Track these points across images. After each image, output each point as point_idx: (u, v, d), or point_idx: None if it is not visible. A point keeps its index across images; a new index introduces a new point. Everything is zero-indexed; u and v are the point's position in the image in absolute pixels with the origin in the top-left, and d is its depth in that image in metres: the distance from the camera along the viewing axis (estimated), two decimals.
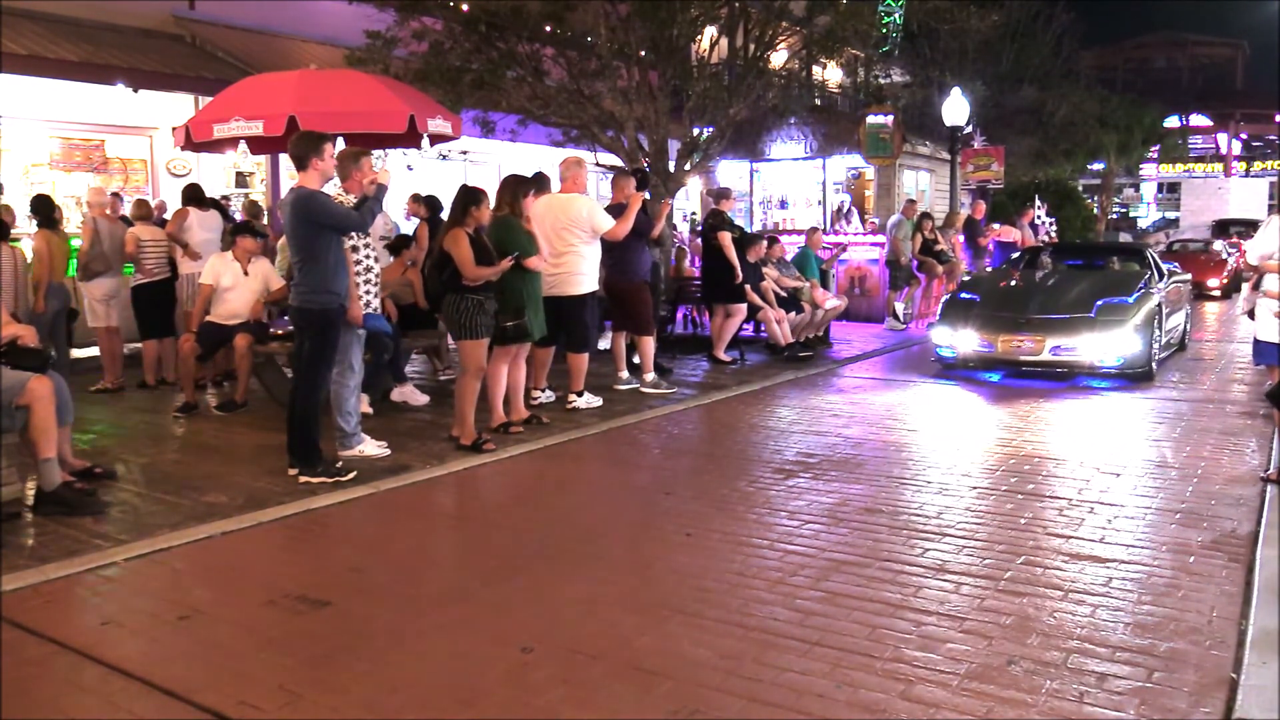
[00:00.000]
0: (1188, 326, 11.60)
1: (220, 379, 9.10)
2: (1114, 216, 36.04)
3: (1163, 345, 9.75)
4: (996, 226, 15.15)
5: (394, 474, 5.90)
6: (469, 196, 6.56)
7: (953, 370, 9.58)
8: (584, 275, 7.65)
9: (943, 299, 10.78)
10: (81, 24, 13.77)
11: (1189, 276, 11.94)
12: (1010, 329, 9.06)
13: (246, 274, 7.90)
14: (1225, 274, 20.28)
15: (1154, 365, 9.13)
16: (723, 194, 11.07)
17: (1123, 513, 5.04)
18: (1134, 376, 8.93)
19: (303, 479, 5.66)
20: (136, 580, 4.25)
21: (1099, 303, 9.07)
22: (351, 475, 5.73)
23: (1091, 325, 8.83)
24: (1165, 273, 10.61)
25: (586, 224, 7.56)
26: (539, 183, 8.60)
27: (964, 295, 10.01)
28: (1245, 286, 17.27)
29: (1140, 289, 9.44)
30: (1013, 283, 10.37)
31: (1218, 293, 19.84)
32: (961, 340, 9.33)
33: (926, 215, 14.57)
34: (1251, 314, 6.56)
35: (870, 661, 3.35)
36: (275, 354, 7.90)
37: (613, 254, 8.23)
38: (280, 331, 7.73)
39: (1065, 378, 9.04)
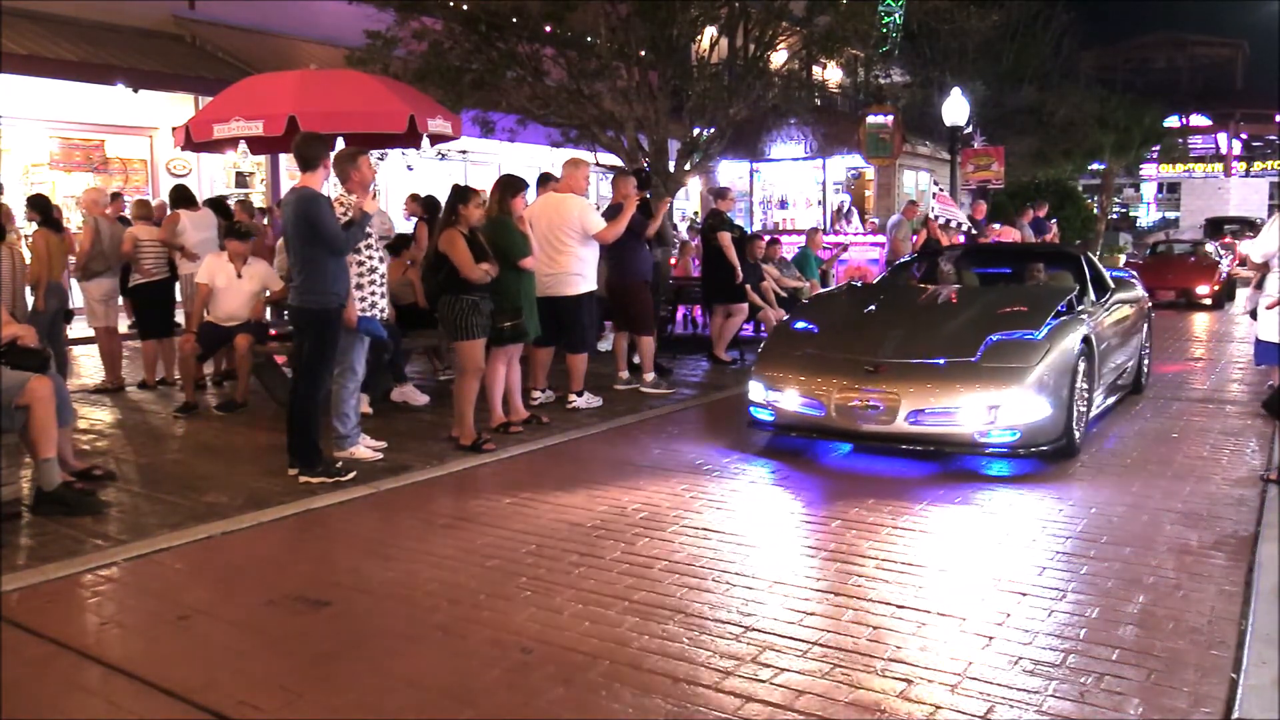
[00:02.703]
0: (1145, 360, 8.53)
1: (220, 379, 9.11)
2: (1114, 216, 36.03)
3: (1097, 398, 6.78)
4: (997, 226, 15.14)
5: (394, 474, 5.90)
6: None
7: (784, 438, 6.54)
8: (578, 276, 7.62)
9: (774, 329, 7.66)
10: (81, 24, 13.78)
11: (1141, 294, 8.64)
12: (851, 380, 5.95)
13: (240, 276, 7.90)
14: (1216, 279, 17.40)
15: (1078, 433, 6.13)
16: (721, 194, 11.07)
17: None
18: (1046, 454, 5.88)
19: (303, 479, 5.66)
20: (136, 580, 4.25)
21: (989, 340, 6.04)
22: (351, 475, 5.73)
23: (973, 375, 5.81)
24: (1109, 286, 7.86)
25: (577, 225, 7.55)
26: (544, 183, 8.62)
27: (799, 324, 6.92)
28: (1240, 292, 17.23)
29: (1057, 316, 6.39)
30: (871, 305, 7.22)
31: (1208, 301, 17.15)
32: (784, 396, 6.24)
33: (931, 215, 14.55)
34: (1253, 314, 6.56)
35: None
36: (275, 354, 7.91)
37: (613, 254, 8.22)
38: (276, 332, 7.74)
39: (938, 457, 6.06)
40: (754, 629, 3.63)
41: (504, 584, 4.12)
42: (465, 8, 12.33)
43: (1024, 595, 3.94)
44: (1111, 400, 7.43)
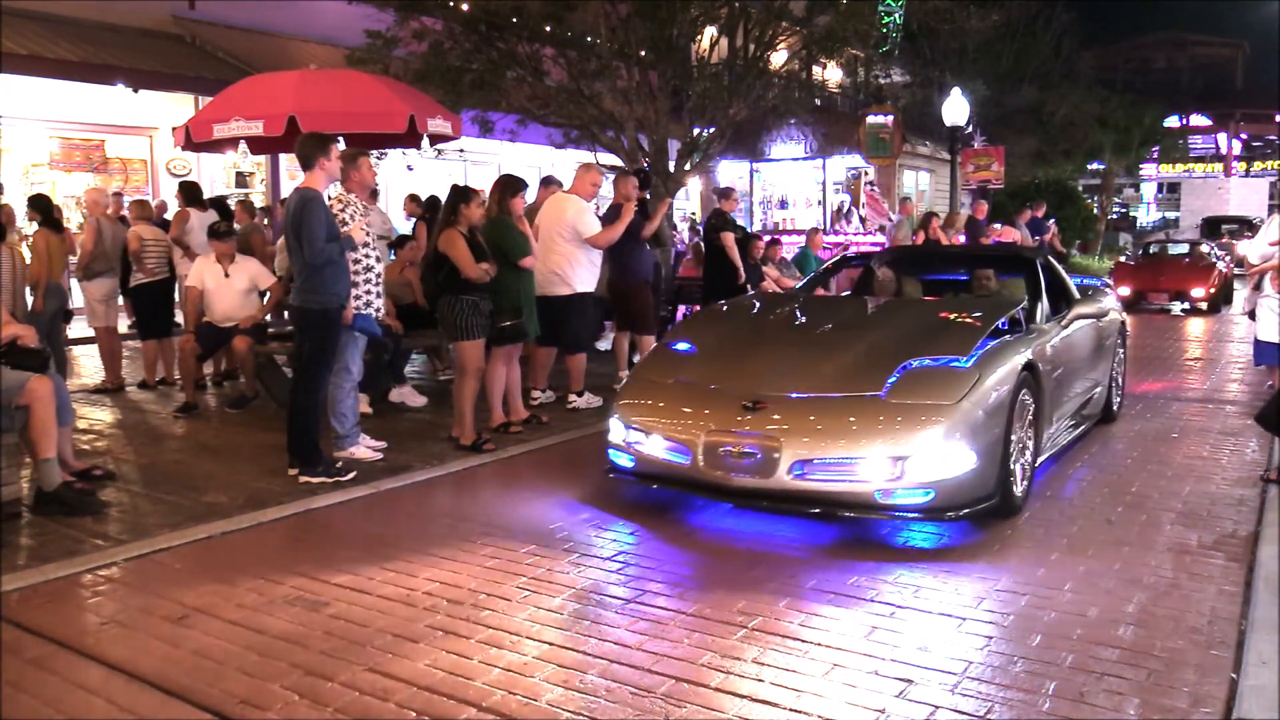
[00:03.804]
0: (1116, 383, 7.29)
1: (220, 379, 9.11)
2: (1114, 216, 36.05)
3: (1050, 437, 5.65)
4: (998, 227, 15.14)
5: (394, 474, 5.90)
6: (458, 195, 6.59)
7: (652, 488, 5.21)
8: (572, 276, 7.54)
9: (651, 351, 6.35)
10: (81, 24, 13.78)
11: (1111, 307, 7.35)
12: (725, 419, 4.74)
13: (227, 275, 7.90)
14: (1212, 282, 16.25)
15: (1019, 486, 4.92)
16: (725, 194, 11.06)
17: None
18: (978, 514, 4.63)
19: (303, 479, 5.66)
20: (136, 580, 4.25)
21: (903, 368, 4.84)
22: (352, 475, 5.73)
23: (877, 416, 4.58)
24: (1073, 298, 6.61)
25: (570, 226, 7.52)
26: (546, 184, 8.62)
27: (678, 345, 5.66)
28: (1237, 294, 17.12)
29: (995, 336, 5.19)
30: (769, 322, 6.01)
31: (1204, 305, 16.08)
32: (646, 437, 5.01)
33: (932, 214, 14.54)
34: (1252, 314, 6.56)
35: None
36: (275, 354, 7.91)
37: (614, 254, 8.22)
38: (274, 331, 7.74)
39: (837, 520, 4.77)
40: (755, 629, 3.63)
41: (504, 584, 4.12)
42: (465, 8, 12.34)
43: (1024, 595, 3.93)
44: (1074, 435, 6.24)
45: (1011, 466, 4.82)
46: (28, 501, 5.20)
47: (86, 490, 5.39)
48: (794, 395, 4.80)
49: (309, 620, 3.75)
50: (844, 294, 7.39)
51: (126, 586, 4.19)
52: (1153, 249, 19.74)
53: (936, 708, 3.03)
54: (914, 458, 4.41)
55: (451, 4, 12.38)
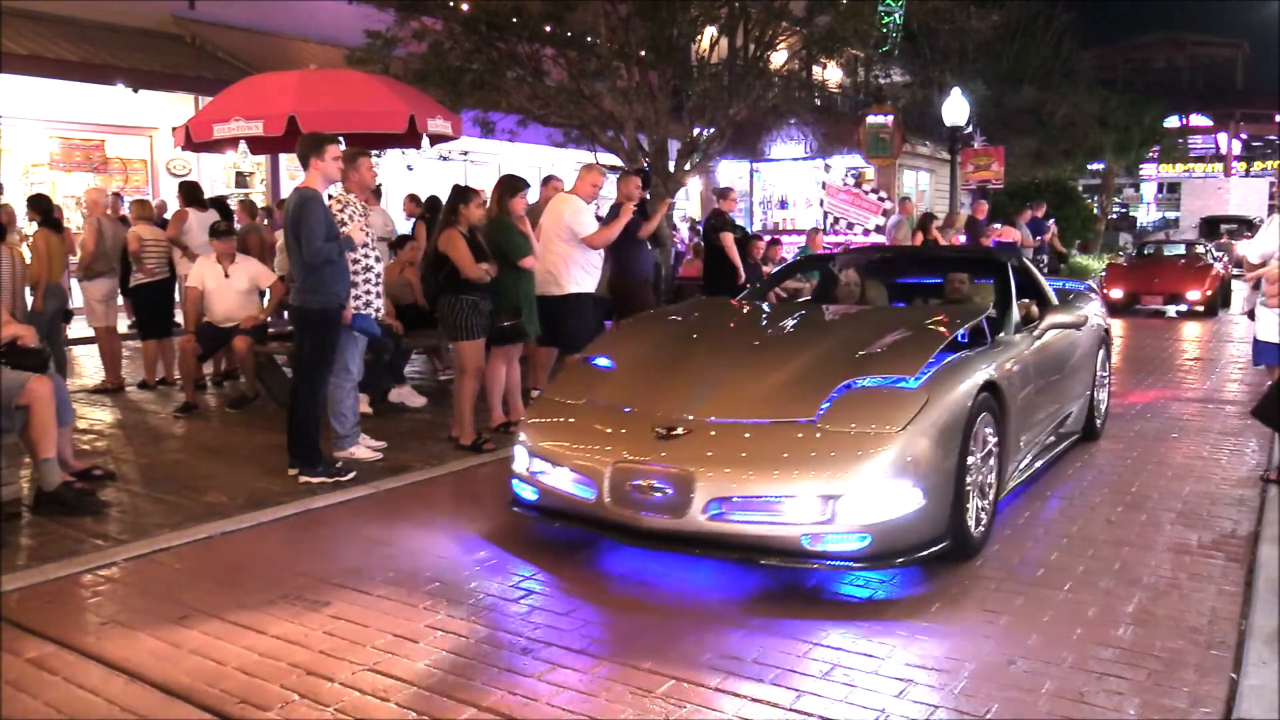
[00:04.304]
0: (1103, 397, 6.86)
1: (220, 379, 9.12)
2: (1114, 216, 36.06)
3: (1019, 461, 5.09)
4: (998, 227, 15.15)
5: (394, 474, 5.90)
6: (458, 196, 6.60)
7: (559, 525, 4.51)
8: (569, 276, 7.44)
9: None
10: (81, 24, 13.79)
11: (1094, 313, 6.71)
12: (636, 448, 4.14)
13: (228, 275, 7.90)
14: (1209, 284, 15.49)
15: (977, 525, 4.33)
16: (723, 194, 11.05)
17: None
18: (930, 558, 4.04)
19: (303, 479, 5.66)
20: (136, 580, 4.25)
21: (842, 389, 4.26)
22: (351, 475, 5.74)
23: (807, 446, 4.00)
24: (1050, 303, 6.02)
25: (565, 225, 7.48)
26: (545, 183, 8.61)
27: (598, 359, 5.00)
28: (1236, 291, 17.08)
29: (954, 350, 4.64)
30: (701, 332, 5.31)
31: (1200, 308, 15.25)
32: (551, 468, 4.41)
33: (931, 215, 14.55)
34: (1251, 314, 6.55)
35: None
36: (275, 354, 7.91)
37: (615, 254, 8.20)
38: (274, 331, 7.74)
39: (767, 565, 4.09)
40: (756, 628, 3.62)
41: (504, 583, 4.12)
42: (465, 8, 12.34)
43: (1022, 595, 3.93)
44: (1050, 457, 5.72)
45: (967, 503, 4.19)
46: (28, 501, 5.20)
47: (86, 490, 5.39)
48: (714, 420, 4.21)
49: (309, 620, 3.75)
50: (795, 300, 6.69)
51: (126, 586, 4.19)
52: (1148, 249, 19.07)
53: None
54: (847, 497, 3.79)
55: (451, 4, 12.38)
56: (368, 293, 6.26)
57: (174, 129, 10.23)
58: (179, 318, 9.49)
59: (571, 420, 4.54)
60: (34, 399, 5.00)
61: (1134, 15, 47.05)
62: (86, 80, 12.83)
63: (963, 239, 14.83)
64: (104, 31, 14.00)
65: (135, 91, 13.29)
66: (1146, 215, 43.61)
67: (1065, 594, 3.95)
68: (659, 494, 3.96)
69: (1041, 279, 6.39)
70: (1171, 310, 15.54)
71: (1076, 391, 6.16)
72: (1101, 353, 6.79)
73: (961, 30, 17.98)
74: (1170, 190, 43.35)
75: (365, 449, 6.27)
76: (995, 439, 4.58)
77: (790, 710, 3.03)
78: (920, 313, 5.49)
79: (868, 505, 3.82)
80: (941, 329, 4.71)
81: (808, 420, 4.09)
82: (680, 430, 4.15)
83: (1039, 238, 15.85)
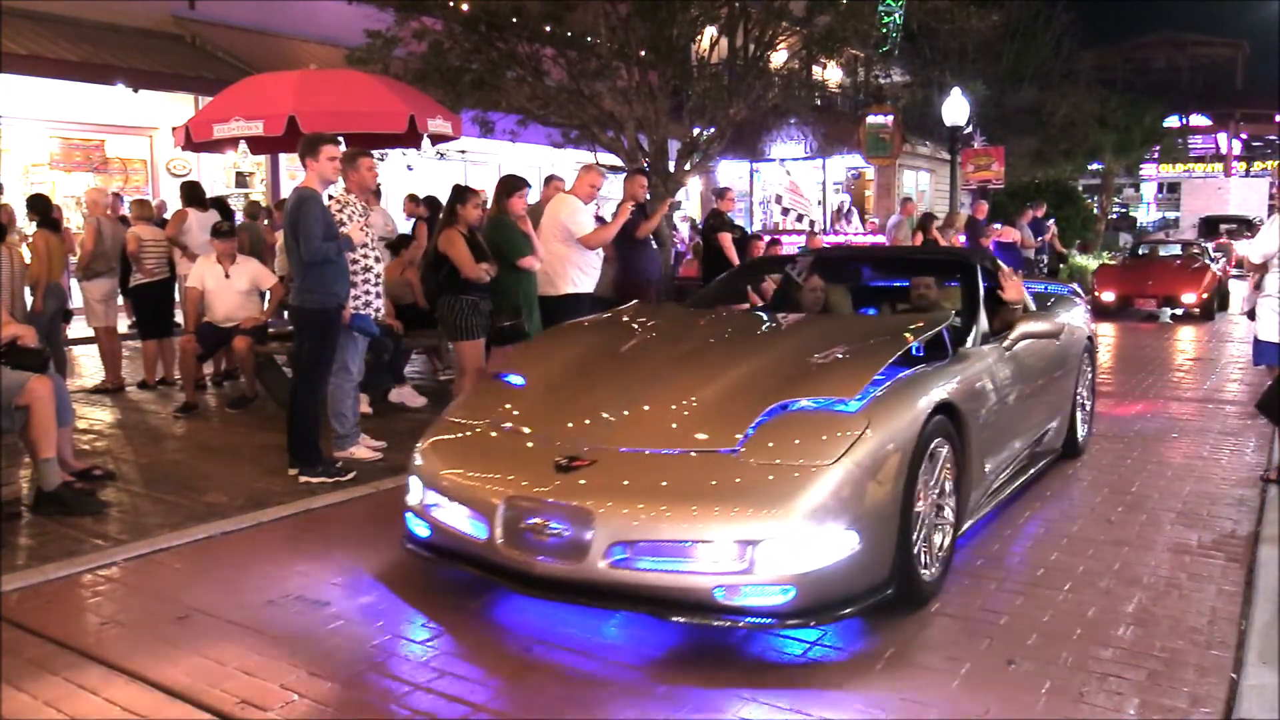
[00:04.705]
0: (1086, 409, 6.34)
1: (220, 379, 9.12)
2: (1114, 216, 36.07)
3: (984, 492, 4.53)
4: (998, 227, 15.15)
5: (394, 474, 5.88)
6: (456, 195, 6.61)
7: (450, 568, 3.97)
8: (568, 276, 7.40)
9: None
10: (81, 24, 13.79)
11: (1075, 318, 6.20)
12: (533, 481, 3.62)
13: (228, 276, 7.90)
14: (1206, 285, 14.59)
15: (928, 569, 3.81)
16: (721, 194, 11.05)
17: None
18: (870, 609, 3.51)
19: (303, 479, 5.66)
20: (136, 580, 4.25)
21: (770, 413, 3.73)
22: (351, 475, 5.73)
23: (726, 479, 3.49)
24: (1027, 306, 5.44)
25: (562, 225, 7.46)
26: (547, 183, 8.60)
27: (509, 376, 4.49)
28: (1234, 292, 16.99)
29: (908, 365, 4.16)
30: (630, 337, 4.74)
31: (1196, 311, 14.43)
32: (446, 502, 3.86)
33: (931, 215, 14.56)
34: (1252, 314, 6.55)
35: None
36: (275, 354, 7.91)
37: (620, 254, 8.19)
38: (274, 331, 7.74)
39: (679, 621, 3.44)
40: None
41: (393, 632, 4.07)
42: (465, 8, 12.35)
43: (1023, 595, 3.93)
44: (1022, 480, 5.14)
45: (915, 544, 3.66)
46: (28, 501, 5.20)
47: (86, 490, 5.39)
48: (623, 450, 3.66)
49: (309, 619, 3.75)
50: (741, 306, 5.96)
51: (126, 586, 4.19)
52: (1141, 249, 18.27)
53: None
54: (766, 544, 3.22)
55: (451, 4, 12.38)
56: (367, 293, 6.26)
57: (174, 129, 10.24)
58: (179, 317, 9.49)
59: (469, 446, 3.98)
60: (34, 399, 5.00)
61: (1134, 15, 47.07)
62: (86, 80, 12.83)
63: (963, 239, 14.84)
64: (104, 31, 14.00)
65: (135, 91, 13.29)
66: (1146, 215, 43.61)
67: (1065, 594, 3.95)
68: (555, 535, 3.38)
69: (1016, 283, 5.71)
70: (1166, 314, 14.80)
71: (1055, 406, 5.63)
72: (1085, 362, 6.27)
73: (961, 30, 18.02)
74: (1170, 190, 43.34)
75: (365, 449, 6.27)
76: (953, 467, 4.02)
77: None
78: (873, 323, 5.02)
79: (791, 552, 3.24)
80: (891, 342, 4.16)
81: (728, 451, 3.54)
82: (583, 460, 3.58)
83: (1039, 238, 15.85)
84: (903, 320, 4.80)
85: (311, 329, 5.74)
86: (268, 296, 8.05)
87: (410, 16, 12.39)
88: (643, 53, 12.59)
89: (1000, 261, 5.77)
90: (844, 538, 3.34)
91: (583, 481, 3.52)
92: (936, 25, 18.07)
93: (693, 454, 3.61)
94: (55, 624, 3.75)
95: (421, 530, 3.97)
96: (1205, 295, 14.46)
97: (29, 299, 8.04)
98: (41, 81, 12.47)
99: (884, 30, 21.11)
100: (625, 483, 3.51)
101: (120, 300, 9.27)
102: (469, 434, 4.08)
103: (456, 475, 3.84)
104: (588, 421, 3.90)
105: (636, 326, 4.95)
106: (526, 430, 3.97)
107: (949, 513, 4.02)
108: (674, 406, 3.89)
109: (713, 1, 13.34)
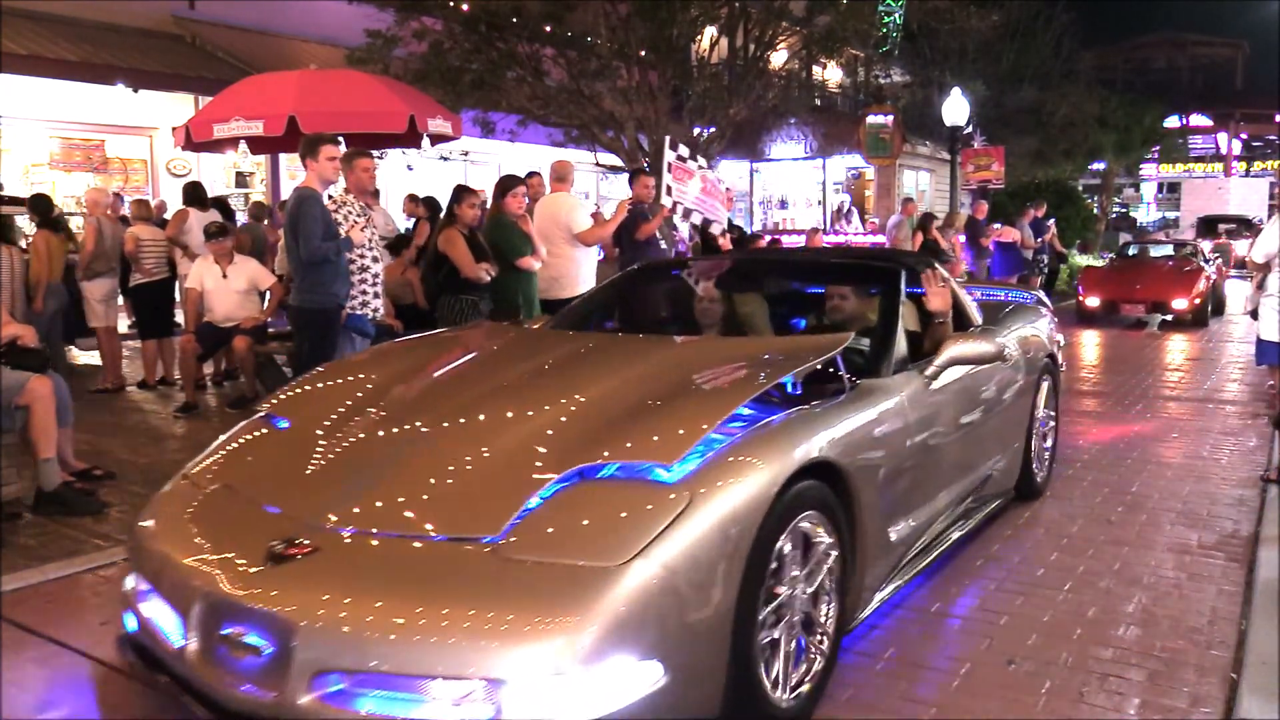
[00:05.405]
0: (1046, 444, 5.43)
1: (220, 379, 9.12)
2: (1114, 216, 36.08)
3: (870, 585, 3.36)
4: (998, 226, 15.15)
5: None
6: (455, 195, 6.62)
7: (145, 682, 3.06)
8: (571, 278, 7.41)
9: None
10: (81, 24, 13.78)
11: (1032, 336, 5.25)
12: (241, 567, 2.63)
13: (225, 276, 7.90)
14: (1198, 290, 13.46)
15: (782, 694, 2.82)
16: None
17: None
18: None
19: None
20: None
21: (565, 480, 2.73)
22: None
23: (478, 583, 2.46)
24: (970, 324, 4.74)
25: (565, 224, 7.44)
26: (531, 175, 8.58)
27: (278, 419, 3.54)
28: (1234, 293, 16.95)
29: (765, 410, 3.09)
30: (432, 377, 3.73)
31: (1188, 317, 13.31)
32: (152, 594, 2.86)
33: (930, 215, 14.57)
34: (1254, 314, 6.56)
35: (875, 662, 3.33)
36: (275, 354, 7.91)
37: (624, 256, 8.17)
38: (274, 330, 7.74)
39: None
40: None
41: None
42: (465, 8, 12.36)
43: (1023, 595, 3.93)
44: (961, 534, 4.25)
45: (760, 663, 2.72)
46: (28, 501, 5.20)
47: (86, 490, 5.39)
48: (358, 532, 2.70)
49: None
50: (601, 325, 4.73)
51: None
52: (1131, 250, 17.12)
53: None
54: (515, 683, 2.28)
55: (451, 4, 12.40)
56: (364, 293, 6.26)
57: (174, 129, 10.24)
58: (179, 317, 9.49)
59: (193, 516, 3.02)
60: (34, 399, 5.00)
61: (1134, 15, 47.09)
62: (86, 80, 12.82)
63: (963, 239, 14.84)
64: (104, 31, 13.99)
65: (135, 91, 13.28)
66: (1146, 215, 43.62)
67: (1065, 594, 3.95)
68: (252, 654, 2.46)
69: (960, 291, 4.85)
70: (1155, 323, 13.50)
71: (1002, 441, 4.68)
72: (1046, 386, 5.32)
73: (961, 30, 18.04)
74: (1170, 190, 43.36)
75: None
76: (835, 544, 3.05)
77: None
78: (755, 348, 3.80)
79: (557, 694, 2.28)
80: (744, 380, 3.15)
81: (490, 539, 2.55)
82: (304, 546, 2.64)
83: (1039, 238, 15.85)
84: (792, 345, 3.71)
85: (311, 329, 5.75)
86: (267, 296, 8.05)
87: (410, 16, 12.41)
88: (643, 53, 12.61)
89: (937, 263, 4.88)
90: (640, 671, 2.37)
91: (294, 578, 2.54)
92: (936, 25, 18.10)
93: (445, 541, 2.62)
94: (55, 624, 3.75)
95: (130, 625, 2.98)
96: (1198, 300, 13.39)
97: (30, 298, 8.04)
98: (41, 81, 12.46)
99: (884, 30, 21.11)
100: (348, 582, 2.50)
101: (120, 300, 9.26)
102: (199, 498, 3.12)
103: (164, 555, 2.86)
104: (331, 488, 2.93)
105: (458, 354, 3.97)
106: (258, 497, 3.00)
107: (829, 608, 3.07)
108: (451, 467, 2.90)
109: (713, 1, 13.35)
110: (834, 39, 13.91)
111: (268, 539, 2.68)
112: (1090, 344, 12.12)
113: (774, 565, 2.77)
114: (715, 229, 8.67)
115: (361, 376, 3.77)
